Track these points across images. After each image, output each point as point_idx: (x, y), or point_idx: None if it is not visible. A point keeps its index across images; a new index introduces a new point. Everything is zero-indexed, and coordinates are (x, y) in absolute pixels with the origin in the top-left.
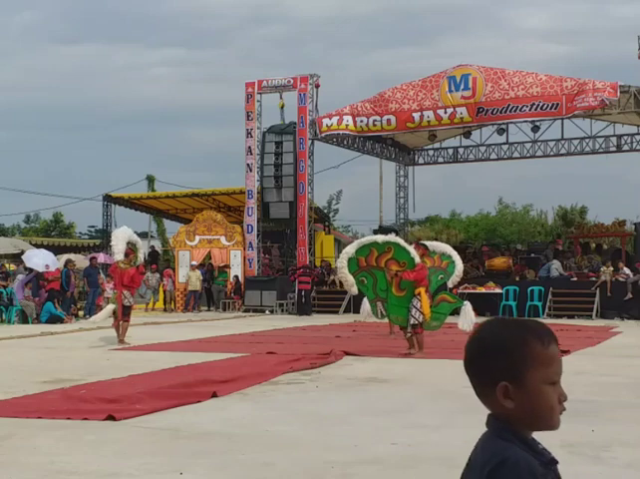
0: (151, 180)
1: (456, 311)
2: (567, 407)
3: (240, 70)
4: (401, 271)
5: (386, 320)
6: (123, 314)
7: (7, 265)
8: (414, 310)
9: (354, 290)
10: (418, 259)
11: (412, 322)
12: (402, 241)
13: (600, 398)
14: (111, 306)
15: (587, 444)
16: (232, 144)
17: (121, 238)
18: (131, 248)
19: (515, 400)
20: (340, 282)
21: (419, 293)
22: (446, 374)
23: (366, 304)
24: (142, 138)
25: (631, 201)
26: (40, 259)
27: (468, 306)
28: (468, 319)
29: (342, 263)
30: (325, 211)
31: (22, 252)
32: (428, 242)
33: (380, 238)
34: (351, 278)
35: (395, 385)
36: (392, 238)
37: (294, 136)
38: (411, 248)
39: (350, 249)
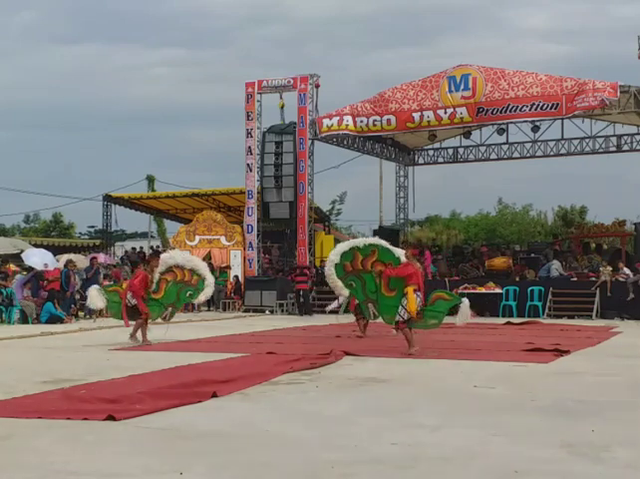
0: (151, 180)
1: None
2: (567, 407)
3: (240, 70)
4: (384, 269)
5: (379, 320)
6: (130, 316)
7: (8, 266)
8: (400, 308)
9: (344, 293)
10: (403, 259)
11: (396, 319)
12: (384, 243)
13: (600, 398)
14: (95, 292)
15: (587, 444)
16: (232, 144)
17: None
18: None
19: None
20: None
21: (407, 292)
22: (446, 374)
23: None
24: (142, 138)
25: (631, 201)
26: (38, 259)
27: (465, 304)
28: (463, 317)
29: (330, 270)
30: (328, 212)
31: (22, 252)
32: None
33: (361, 241)
34: (339, 283)
35: (395, 385)
36: (374, 240)
37: (294, 136)
38: (395, 249)
39: (334, 257)
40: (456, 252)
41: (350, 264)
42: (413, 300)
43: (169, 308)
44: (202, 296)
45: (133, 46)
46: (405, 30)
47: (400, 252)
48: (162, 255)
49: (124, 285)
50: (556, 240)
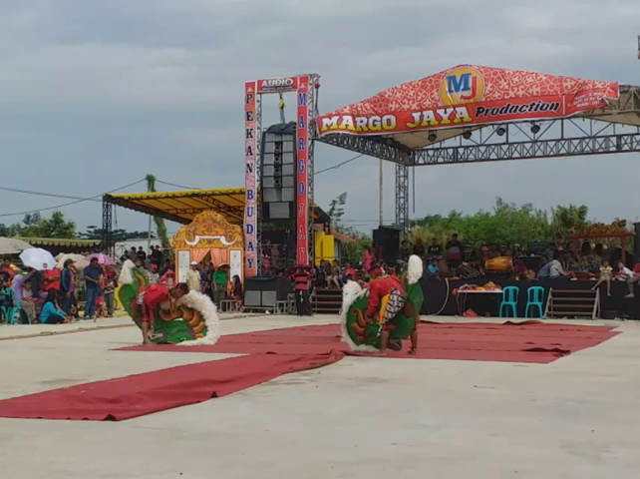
0: (151, 180)
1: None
2: (567, 407)
3: (240, 70)
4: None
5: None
6: (139, 314)
7: (13, 267)
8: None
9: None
10: (366, 290)
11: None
12: (351, 297)
13: (600, 398)
14: (128, 268)
15: (587, 444)
16: (232, 144)
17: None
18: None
19: None
20: (339, 282)
21: (382, 302)
22: (446, 374)
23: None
24: (142, 138)
25: (631, 201)
26: (37, 258)
27: (412, 258)
28: (415, 268)
29: (354, 348)
30: (328, 212)
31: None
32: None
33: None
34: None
35: (395, 385)
36: (346, 304)
37: (294, 136)
38: (362, 291)
39: (351, 345)
40: (450, 245)
41: (357, 327)
42: (382, 309)
43: (162, 335)
44: (190, 343)
45: (132, 46)
46: (405, 30)
47: (363, 291)
48: (190, 292)
49: (146, 281)
50: (559, 240)
